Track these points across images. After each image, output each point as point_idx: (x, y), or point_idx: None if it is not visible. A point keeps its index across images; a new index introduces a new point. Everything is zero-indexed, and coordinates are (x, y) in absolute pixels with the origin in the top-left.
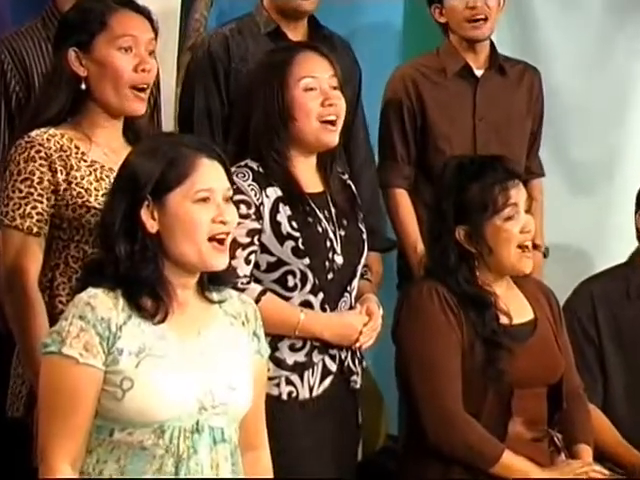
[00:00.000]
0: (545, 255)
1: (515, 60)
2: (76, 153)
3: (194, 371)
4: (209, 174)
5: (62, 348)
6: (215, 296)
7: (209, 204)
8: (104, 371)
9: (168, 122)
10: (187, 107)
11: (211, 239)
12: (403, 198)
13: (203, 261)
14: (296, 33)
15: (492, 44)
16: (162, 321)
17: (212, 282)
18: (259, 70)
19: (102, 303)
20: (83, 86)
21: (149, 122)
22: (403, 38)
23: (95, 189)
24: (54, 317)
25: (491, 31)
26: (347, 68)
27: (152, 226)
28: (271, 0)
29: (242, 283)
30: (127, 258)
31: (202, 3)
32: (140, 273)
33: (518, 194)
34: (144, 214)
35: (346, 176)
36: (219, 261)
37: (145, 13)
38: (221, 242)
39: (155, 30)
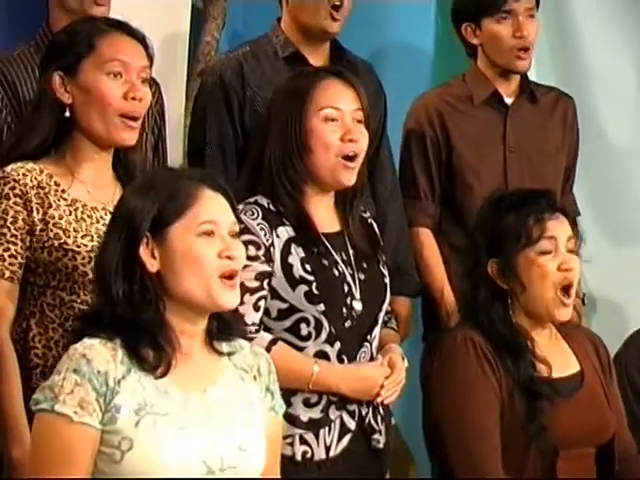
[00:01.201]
0: (583, 302)
1: (547, 87)
2: (55, 190)
3: (200, 430)
4: (213, 206)
5: (55, 405)
6: (224, 347)
7: (214, 238)
8: (101, 430)
9: (176, 154)
10: (198, 140)
11: (220, 276)
12: (427, 238)
13: (212, 299)
14: (317, 57)
15: None
16: (164, 374)
17: (221, 331)
18: (278, 95)
19: (99, 355)
20: (67, 113)
21: (153, 153)
22: (434, 62)
23: (74, 230)
24: (28, 371)
25: (531, 61)
26: (371, 94)
27: (152, 265)
28: (292, 20)
29: (250, 332)
30: (125, 300)
31: (213, 24)
32: (139, 316)
33: (557, 228)
34: (143, 252)
35: (367, 214)
36: (230, 299)
37: (139, 37)
38: (230, 278)
39: (150, 57)
